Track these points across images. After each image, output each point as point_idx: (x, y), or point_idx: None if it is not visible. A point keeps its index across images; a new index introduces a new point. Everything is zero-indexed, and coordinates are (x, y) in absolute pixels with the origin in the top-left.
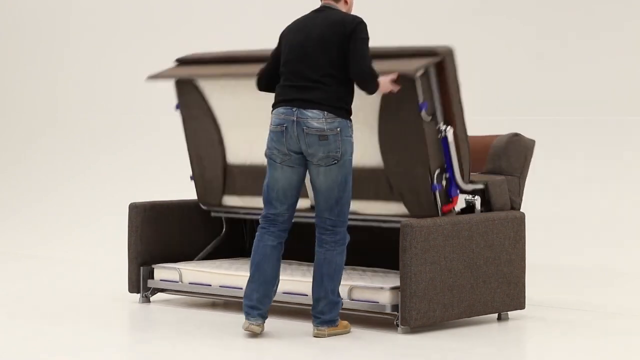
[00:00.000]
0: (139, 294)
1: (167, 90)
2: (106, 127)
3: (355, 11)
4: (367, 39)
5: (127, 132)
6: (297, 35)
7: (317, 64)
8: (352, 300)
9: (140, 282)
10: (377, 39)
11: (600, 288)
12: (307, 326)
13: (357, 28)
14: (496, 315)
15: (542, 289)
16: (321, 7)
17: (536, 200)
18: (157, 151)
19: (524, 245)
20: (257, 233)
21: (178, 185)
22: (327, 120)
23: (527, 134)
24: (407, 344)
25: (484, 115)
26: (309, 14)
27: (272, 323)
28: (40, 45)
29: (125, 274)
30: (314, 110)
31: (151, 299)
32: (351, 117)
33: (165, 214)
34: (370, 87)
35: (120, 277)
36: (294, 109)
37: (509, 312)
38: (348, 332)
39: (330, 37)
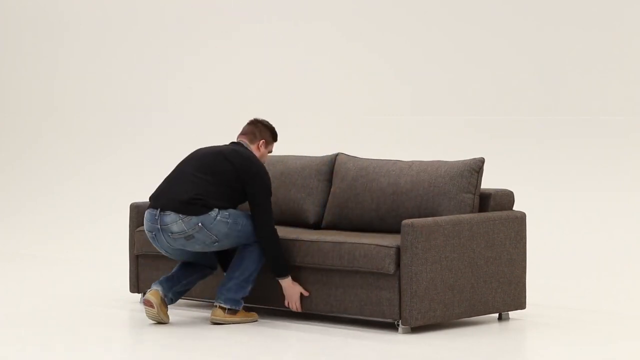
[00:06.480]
0: (139, 294)
1: (167, 90)
2: (106, 126)
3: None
4: None
5: (127, 132)
6: None
7: None
8: None
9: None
10: (377, 37)
11: (600, 288)
12: (305, 326)
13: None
14: (497, 315)
15: (542, 288)
16: None
17: (537, 200)
18: (157, 151)
19: (525, 245)
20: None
21: None
22: None
23: (527, 134)
24: (407, 344)
25: (483, 115)
26: None
27: (269, 323)
28: (38, 45)
29: (126, 274)
30: None
31: None
32: None
33: None
34: None
35: (121, 277)
36: None
37: (509, 312)
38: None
39: None
